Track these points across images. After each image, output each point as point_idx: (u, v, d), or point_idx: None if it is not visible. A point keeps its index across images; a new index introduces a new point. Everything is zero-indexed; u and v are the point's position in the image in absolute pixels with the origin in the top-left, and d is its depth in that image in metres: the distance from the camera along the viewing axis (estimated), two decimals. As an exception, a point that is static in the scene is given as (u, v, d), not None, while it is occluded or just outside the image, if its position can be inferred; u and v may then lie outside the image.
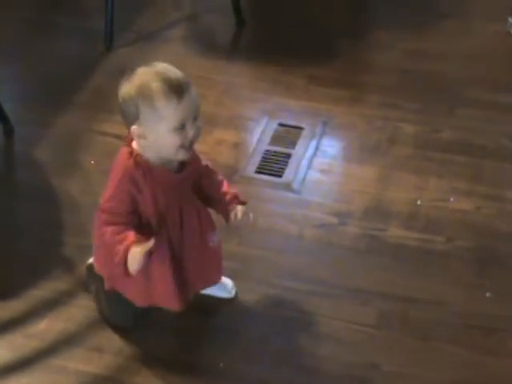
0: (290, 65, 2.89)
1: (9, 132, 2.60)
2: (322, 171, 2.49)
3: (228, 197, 1.90)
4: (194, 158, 1.84)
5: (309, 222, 2.32)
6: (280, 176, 2.46)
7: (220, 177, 1.93)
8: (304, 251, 2.24)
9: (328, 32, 3.05)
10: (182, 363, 1.95)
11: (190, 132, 1.70)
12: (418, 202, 2.36)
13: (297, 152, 2.55)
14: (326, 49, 2.98)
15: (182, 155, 1.74)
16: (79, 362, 1.93)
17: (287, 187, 2.43)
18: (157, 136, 1.71)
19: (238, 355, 1.97)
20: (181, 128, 1.69)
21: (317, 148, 2.56)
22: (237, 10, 3.08)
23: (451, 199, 2.37)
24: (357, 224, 2.30)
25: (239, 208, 1.89)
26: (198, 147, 2.49)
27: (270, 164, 2.50)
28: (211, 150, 2.53)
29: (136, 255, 1.68)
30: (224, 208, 1.90)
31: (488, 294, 2.10)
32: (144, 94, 1.68)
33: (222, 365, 1.94)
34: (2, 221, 2.32)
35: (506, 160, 2.50)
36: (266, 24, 3.15)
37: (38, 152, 2.54)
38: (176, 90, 1.66)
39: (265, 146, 2.57)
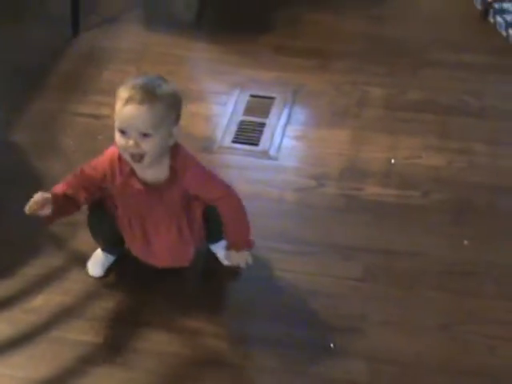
0: (255, 37, 2.96)
1: (-15, 119, 2.62)
2: (297, 137, 2.56)
3: (227, 238, 2.01)
4: (182, 180, 1.90)
5: (288, 186, 2.39)
6: (257, 144, 2.53)
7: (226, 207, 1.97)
8: (286, 214, 2.32)
9: (290, 2, 3.11)
10: (178, 326, 2.00)
11: (129, 141, 1.79)
12: (392, 161, 2.45)
13: (270, 121, 2.62)
14: (290, 19, 3.04)
15: (132, 163, 1.85)
16: (78, 332, 1.98)
17: (264, 154, 2.50)
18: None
19: (230, 316, 2.04)
20: (122, 132, 1.80)
21: (289, 116, 2.63)
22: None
23: (423, 156, 2.46)
24: (335, 185, 2.38)
25: (233, 256, 2.00)
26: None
27: (245, 133, 2.57)
28: (187, 122, 2.53)
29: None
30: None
31: (466, 242, 2.20)
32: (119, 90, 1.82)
33: (213, 327, 2.00)
34: (-14, 205, 2.35)
35: (471, 115, 2.61)
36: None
37: (16, 137, 2.56)
38: (128, 95, 1.78)
39: (239, 116, 2.64)
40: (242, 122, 2.61)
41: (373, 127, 2.57)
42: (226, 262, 2.05)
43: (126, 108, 1.77)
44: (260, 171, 2.44)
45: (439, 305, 2.05)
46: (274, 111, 2.65)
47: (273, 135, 2.55)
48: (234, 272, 2.12)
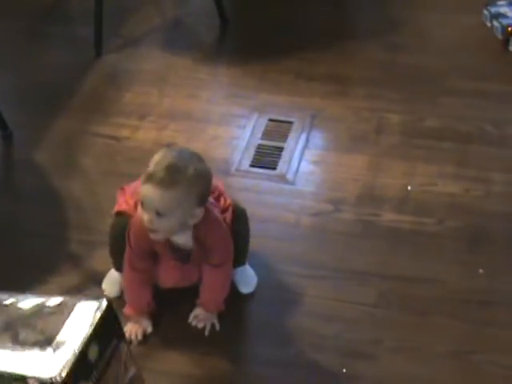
0: (275, 62, 2.98)
1: (8, 137, 2.67)
2: (314, 162, 2.58)
3: (202, 298, 2.06)
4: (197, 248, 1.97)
5: (305, 210, 2.40)
6: (274, 168, 2.55)
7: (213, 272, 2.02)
8: (302, 238, 2.33)
9: (309, 29, 3.14)
10: (190, 347, 2.02)
11: (145, 216, 1.84)
12: (408, 188, 2.45)
13: (288, 145, 2.64)
14: (310, 45, 3.06)
15: (150, 233, 1.88)
16: (93, 351, 2.00)
17: (282, 179, 2.51)
18: None
19: (243, 338, 2.06)
20: (142, 204, 1.84)
21: (307, 140, 2.65)
22: (220, 9, 3.16)
23: (439, 183, 2.47)
24: (351, 210, 2.39)
25: (200, 317, 2.06)
26: (194, 144, 2.62)
27: (263, 157, 2.59)
28: (206, 146, 2.61)
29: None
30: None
31: (481, 270, 2.20)
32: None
33: (225, 349, 2.02)
34: (7, 223, 2.38)
35: (491, 144, 2.60)
36: (249, 23, 3.24)
37: (38, 155, 2.61)
38: (151, 172, 1.80)
39: (257, 140, 2.66)
40: (260, 146, 2.63)
41: (390, 153, 2.58)
42: (193, 322, 2.07)
43: (145, 186, 1.80)
44: (277, 195, 2.46)
45: (453, 332, 2.05)
46: (291, 135, 2.67)
47: (290, 159, 2.57)
48: (247, 295, 2.14)
